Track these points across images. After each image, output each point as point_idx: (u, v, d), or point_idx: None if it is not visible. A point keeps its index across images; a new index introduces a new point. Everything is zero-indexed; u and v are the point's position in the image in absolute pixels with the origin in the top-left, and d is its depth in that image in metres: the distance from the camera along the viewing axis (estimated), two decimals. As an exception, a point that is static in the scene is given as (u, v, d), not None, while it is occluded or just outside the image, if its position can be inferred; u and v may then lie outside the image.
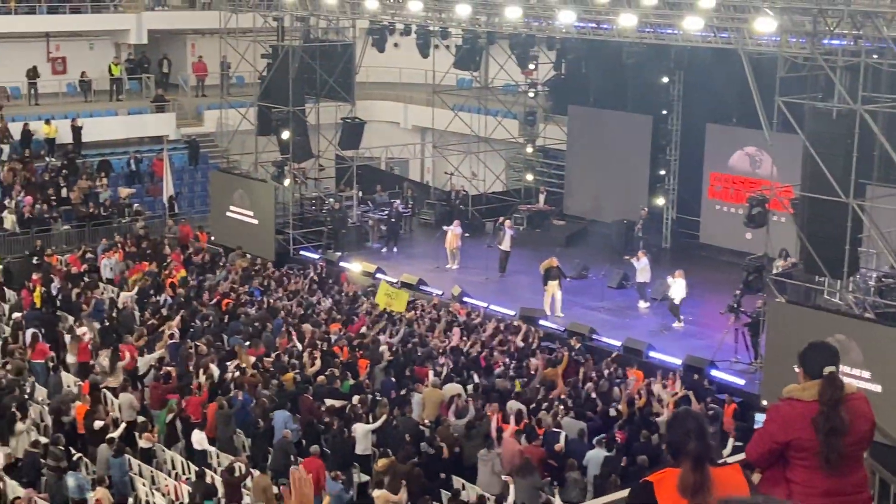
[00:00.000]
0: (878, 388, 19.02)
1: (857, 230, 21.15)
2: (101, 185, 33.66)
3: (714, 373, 22.48)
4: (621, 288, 28.27)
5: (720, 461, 4.70)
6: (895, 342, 19.79)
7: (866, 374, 19.52)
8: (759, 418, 19.06)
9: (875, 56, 21.36)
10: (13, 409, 19.10)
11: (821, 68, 21.26)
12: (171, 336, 22.81)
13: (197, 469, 17.88)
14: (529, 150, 36.24)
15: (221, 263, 29.63)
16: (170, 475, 18.59)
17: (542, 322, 25.19)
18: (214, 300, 25.99)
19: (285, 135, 31.45)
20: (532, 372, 21.91)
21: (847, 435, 5.10)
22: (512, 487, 16.64)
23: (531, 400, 20.35)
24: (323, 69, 32.45)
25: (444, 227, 30.96)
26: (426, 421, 19.96)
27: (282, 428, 18.97)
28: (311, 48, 32.51)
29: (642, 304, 26.90)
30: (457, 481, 17.96)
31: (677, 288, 25.44)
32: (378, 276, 28.52)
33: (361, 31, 34.37)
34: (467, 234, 31.68)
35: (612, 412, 20.02)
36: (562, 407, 19.79)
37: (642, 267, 26.79)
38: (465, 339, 23.66)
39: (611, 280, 28.33)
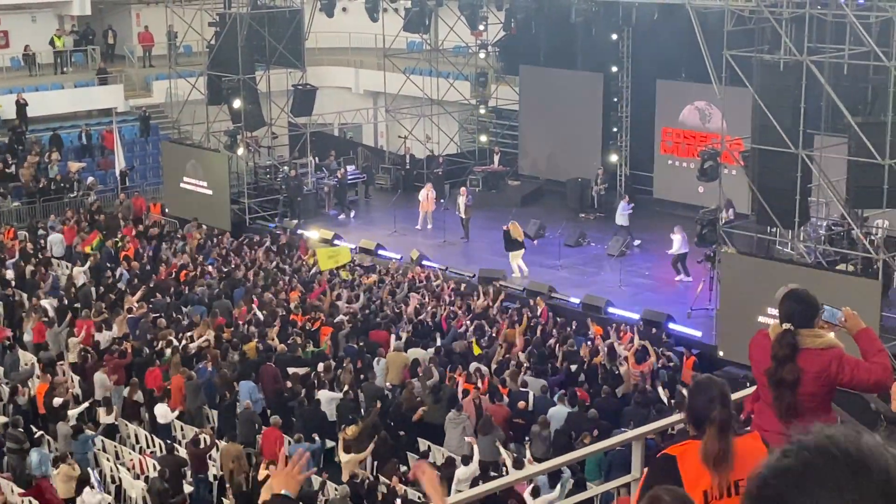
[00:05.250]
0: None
1: (807, 180, 21.44)
2: (50, 161, 33.27)
3: (672, 326, 22.74)
4: (578, 246, 28.42)
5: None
6: (845, 289, 20.10)
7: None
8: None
9: (819, 7, 21.56)
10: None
11: (767, 21, 21.45)
12: (129, 311, 22.68)
13: (163, 443, 17.90)
14: (482, 111, 36.24)
15: (179, 235, 29.46)
16: (133, 449, 18.60)
17: (501, 283, 25.33)
18: (172, 272, 25.87)
19: (237, 103, 31.21)
20: (494, 334, 22.02)
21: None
22: (475, 448, 16.81)
23: (492, 360, 20.48)
24: (272, 36, 32.17)
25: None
26: (389, 385, 20.08)
27: (246, 398, 19.00)
28: (258, 15, 32.19)
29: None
30: (423, 443, 18.12)
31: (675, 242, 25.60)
32: (336, 242, 28.52)
33: (309, -3, 34.15)
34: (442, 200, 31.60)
35: (573, 368, 20.22)
36: (524, 366, 19.96)
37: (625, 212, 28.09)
38: (423, 303, 23.75)
39: (568, 238, 28.44)
